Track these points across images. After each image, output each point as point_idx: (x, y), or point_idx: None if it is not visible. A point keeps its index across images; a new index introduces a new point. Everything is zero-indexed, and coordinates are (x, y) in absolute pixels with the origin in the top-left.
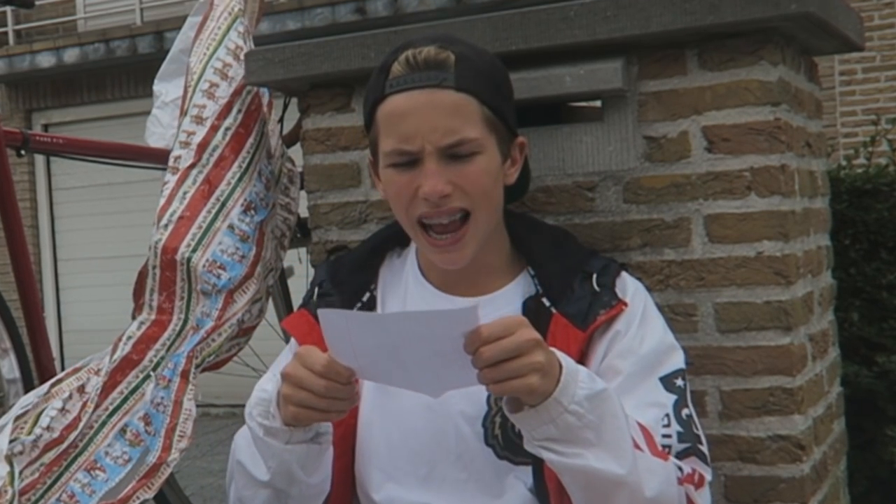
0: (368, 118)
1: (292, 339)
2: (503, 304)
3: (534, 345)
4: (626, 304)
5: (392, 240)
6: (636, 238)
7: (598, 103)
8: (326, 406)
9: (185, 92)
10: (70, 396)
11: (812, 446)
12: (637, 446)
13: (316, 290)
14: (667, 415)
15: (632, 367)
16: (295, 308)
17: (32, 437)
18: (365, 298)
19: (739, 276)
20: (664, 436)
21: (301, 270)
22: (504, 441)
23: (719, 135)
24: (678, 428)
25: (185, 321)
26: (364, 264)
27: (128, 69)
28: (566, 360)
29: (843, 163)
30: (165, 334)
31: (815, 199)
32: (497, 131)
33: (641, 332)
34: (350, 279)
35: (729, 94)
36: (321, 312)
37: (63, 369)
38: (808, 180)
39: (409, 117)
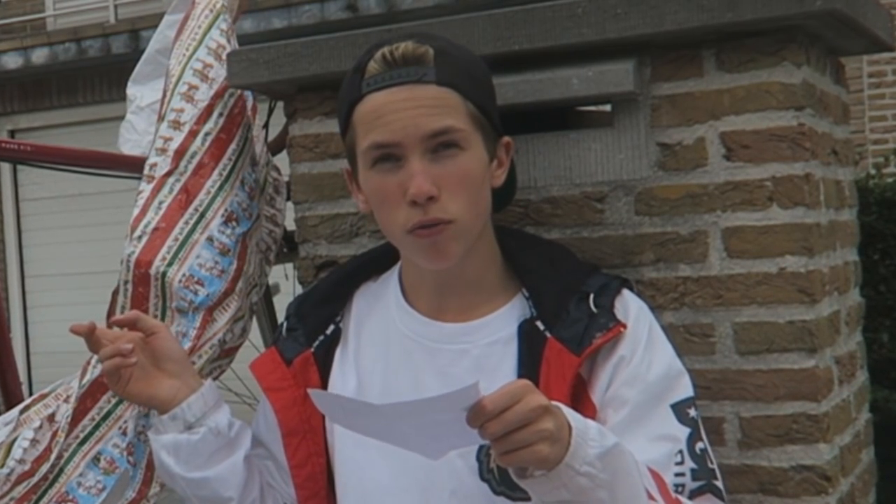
0: (344, 123)
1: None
2: (498, 328)
3: (541, 412)
4: (624, 326)
5: (368, 266)
6: (649, 253)
7: (607, 107)
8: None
9: (164, 96)
10: (40, 426)
11: (839, 477)
12: (650, 497)
13: (285, 324)
14: (680, 451)
15: (640, 395)
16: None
17: (7, 469)
18: (329, 331)
19: (760, 294)
20: (677, 474)
21: (288, 287)
22: (500, 476)
23: (738, 141)
24: (692, 465)
25: None
26: (332, 295)
27: (101, 71)
28: (575, 419)
29: (872, 171)
30: None
31: (842, 210)
32: (482, 128)
33: (648, 356)
34: (314, 312)
35: (749, 97)
36: (311, 393)
37: (31, 394)
38: (834, 190)
39: (389, 114)
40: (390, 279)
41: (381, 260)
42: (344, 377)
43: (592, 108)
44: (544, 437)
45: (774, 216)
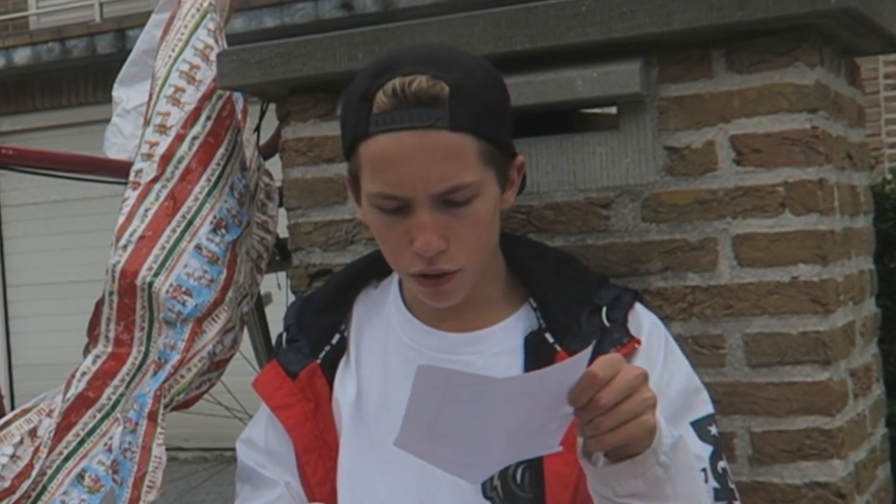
0: (349, 149)
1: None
2: (502, 339)
3: (643, 379)
4: (638, 342)
5: (367, 271)
6: (656, 261)
7: (613, 110)
8: None
9: (150, 99)
10: (21, 441)
11: (854, 495)
12: None
13: (284, 335)
14: (703, 469)
15: (660, 413)
16: (273, 339)
17: None
18: (334, 341)
19: (772, 304)
20: None
21: (280, 297)
22: (504, 493)
23: (749, 145)
24: (715, 484)
25: (146, 354)
26: (332, 303)
27: (85, 72)
28: None
29: (889, 176)
30: (124, 369)
31: (857, 217)
32: (495, 162)
33: (668, 371)
34: (317, 321)
35: (760, 99)
36: (420, 368)
37: (13, 408)
38: (848, 196)
39: (398, 163)
40: (390, 286)
41: (380, 264)
42: (344, 388)
43: (597, 110)
44: (650, 405)
45: (787, 223)
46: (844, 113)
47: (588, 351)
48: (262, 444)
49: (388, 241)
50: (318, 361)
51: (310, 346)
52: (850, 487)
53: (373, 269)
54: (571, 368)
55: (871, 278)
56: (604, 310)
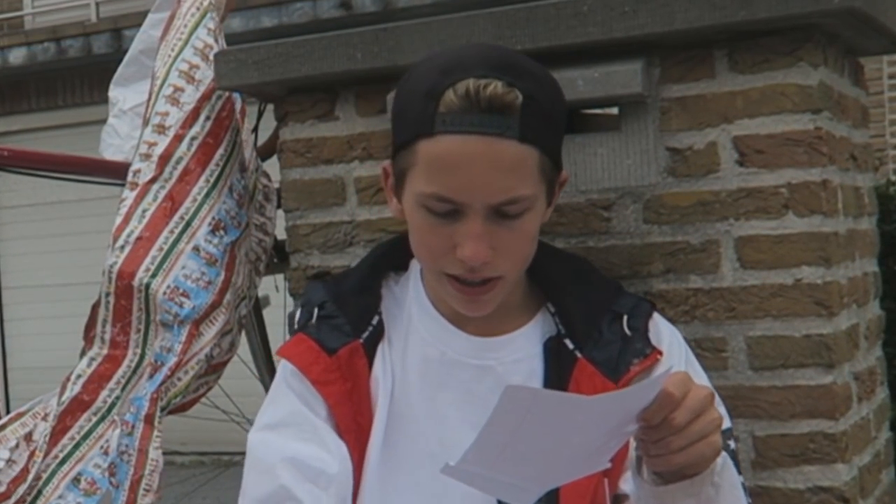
0: (403, 142)
1: (285, 367)
2: (522, 344)
3: (711, 399)
4: (661, 354)
5: (386, 260)
6: (658, 263)
7: (614, 110)
8: None
9: (149, 99)
10: (17, 445)
11: (857, 499)
12: None
13: (316, 311)
14: None
15: None
16: (271, 342)
17: None
18: (374, 322)
19: (775, 307)
20: None
21: (278, 300)
22: None
23: (752, 146)
24: None
25: (142, 356)
26: (366, 285)
27: (81, 72)
28: None
29: (893, 178)
30: (120, 371)
31: (861, 218)
32: (548, 177)
33: None
34: (356, 300)
35: (763, 99)
36: (508, 388)
37: (8, 411)
38: (852, 197)
39: (461, 168)
40: (408, 282)
41: (395, 255)
42: (385, 376)
43: (598, 111)
44: (717, 425)
45: (790, 225)
46: (848, 113)
47: (669, 370)
48: (315, 419)
49: (427, 242)
50: (361, 341)
51: (351, 325)
52: (854, 492)
53: (391, 259)
54: (650, 387)
55: (875, 280)
56: (625, 318)
